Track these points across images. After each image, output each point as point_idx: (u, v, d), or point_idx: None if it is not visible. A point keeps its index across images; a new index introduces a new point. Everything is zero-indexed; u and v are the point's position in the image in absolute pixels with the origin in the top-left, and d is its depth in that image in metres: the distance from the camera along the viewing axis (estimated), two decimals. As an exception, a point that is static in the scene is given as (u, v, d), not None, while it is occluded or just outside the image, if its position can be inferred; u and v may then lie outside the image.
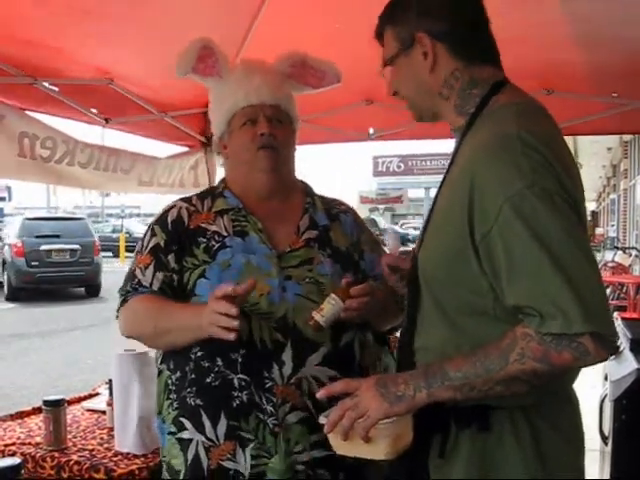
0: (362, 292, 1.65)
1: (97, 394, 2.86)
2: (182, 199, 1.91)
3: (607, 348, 1.16)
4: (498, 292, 1.24)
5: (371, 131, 3.75)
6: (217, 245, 1.77)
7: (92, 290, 14.81)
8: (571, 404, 1.37)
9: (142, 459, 2.13)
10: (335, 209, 1.94)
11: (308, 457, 1.68)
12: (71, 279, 14.71)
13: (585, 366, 1.19)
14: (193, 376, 1.74)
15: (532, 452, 1.26)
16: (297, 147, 1.93)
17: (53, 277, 14.38)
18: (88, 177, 3.09)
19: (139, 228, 33.91)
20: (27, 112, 2.83)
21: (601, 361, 1.17)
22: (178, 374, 1.77)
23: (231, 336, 1.57)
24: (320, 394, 1.40)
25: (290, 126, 1.88)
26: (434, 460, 1.33)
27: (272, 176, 1.81)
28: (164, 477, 1.81)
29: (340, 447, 1.34)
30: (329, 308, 1.60)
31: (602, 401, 3.08)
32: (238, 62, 1.98)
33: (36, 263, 14.18)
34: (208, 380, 1.71)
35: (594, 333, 1.13)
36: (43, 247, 14.29)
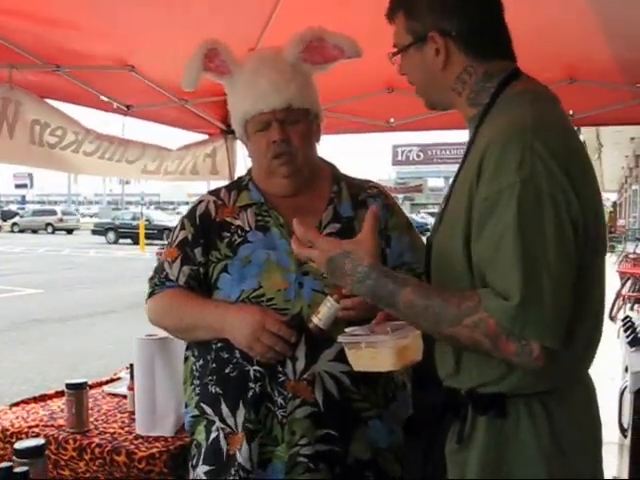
0: None
1: (118, 378, 2.90)
2: (210, 192, 1.92)
3: (549, 358, 1.17)
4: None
5: (392, 120, 3.73)
6: (239, 240, 1.79)
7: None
8: (587, 390, 1.37)
9: (162, 442, 2.16)
10: (363, 194, 1.88)
11: (311, 450, 1.68)
12: None
13: (520, 366, 1.21)
14: (214, 365, 1.77)
15: (548, 436, 1.26)
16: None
17: None
18: (89, 164, 3.14)
19: (159, 215, 34.05)
20: (47, 100, 2.86)
21: (537, 367, 1.19)
22: (201, 362, 1.82)
23: (272, 359, 1.67)
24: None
25: (307, 120, 1.81)
26: (451, 446, 1.35)
27: (291, 180, 1.81)
28: (192, 452, 1.86)
29: (355, 363, 1.45)
30: (325, 310, 1.59)
31: (622, 393, 3.05)
32: (248, 57, 1.89)
33: None
34: (227, 370, 1.75)
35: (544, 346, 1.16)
36: None
